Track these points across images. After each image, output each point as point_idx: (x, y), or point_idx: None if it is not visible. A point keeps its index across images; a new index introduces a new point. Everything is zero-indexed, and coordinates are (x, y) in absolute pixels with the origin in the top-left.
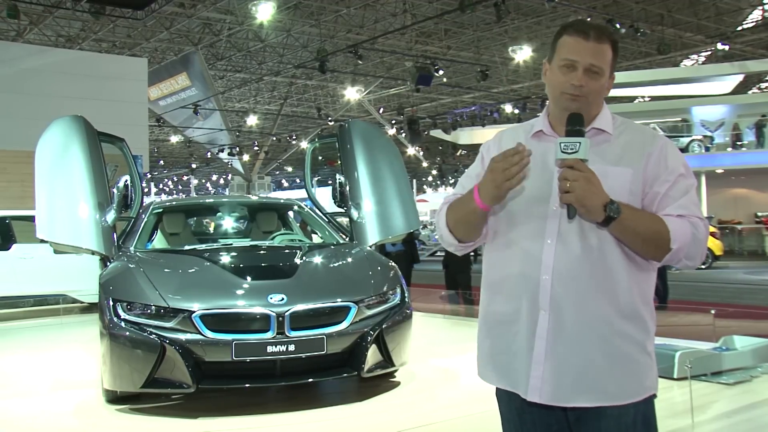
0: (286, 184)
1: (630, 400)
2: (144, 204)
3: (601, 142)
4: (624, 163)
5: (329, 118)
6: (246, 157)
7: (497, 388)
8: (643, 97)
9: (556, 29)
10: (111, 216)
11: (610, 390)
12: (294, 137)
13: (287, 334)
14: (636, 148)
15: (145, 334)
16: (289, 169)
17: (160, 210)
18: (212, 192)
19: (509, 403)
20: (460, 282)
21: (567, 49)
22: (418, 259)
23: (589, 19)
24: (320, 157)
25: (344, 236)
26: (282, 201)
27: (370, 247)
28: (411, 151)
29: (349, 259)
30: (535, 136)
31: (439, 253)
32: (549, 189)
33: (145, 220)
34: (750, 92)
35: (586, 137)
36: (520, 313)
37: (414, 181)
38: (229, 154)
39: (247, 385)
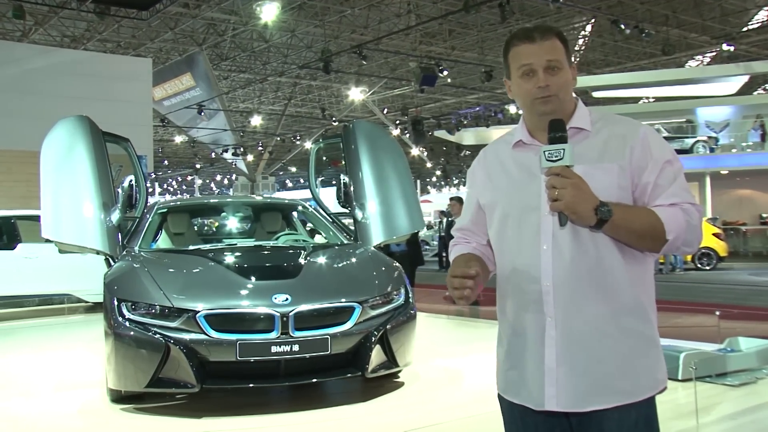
0: (290, 185)
1: (645, 395)
2: (148, 204)
3: (581, 140)
4: (608, 159)
5: (333, 119)
6: (250, 158)
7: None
8: (647, 98)
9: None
10: (116, 216)
11: (626, 388)
12: (298, 137)
13: (291, 334)
14: (618, 141)
15: (150, 333)
16: (293, 169)
17: (165, 210)
18: (216, 192)
19: (511, 407)
20: None
21: (520, 58)
22: (422, 261)
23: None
24: (324, 158)
25: (348, 236)
26: (286, 201)
27: (375, 247)
28: (415, 151)
29: (354, 260)
30: (516, 146)
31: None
32: (538, 198)
33: (150, 220)
34: (755, 93)
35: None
36: (527, 323)
37: (418, 181)
38: (233, 154)
39: (251, 385)
